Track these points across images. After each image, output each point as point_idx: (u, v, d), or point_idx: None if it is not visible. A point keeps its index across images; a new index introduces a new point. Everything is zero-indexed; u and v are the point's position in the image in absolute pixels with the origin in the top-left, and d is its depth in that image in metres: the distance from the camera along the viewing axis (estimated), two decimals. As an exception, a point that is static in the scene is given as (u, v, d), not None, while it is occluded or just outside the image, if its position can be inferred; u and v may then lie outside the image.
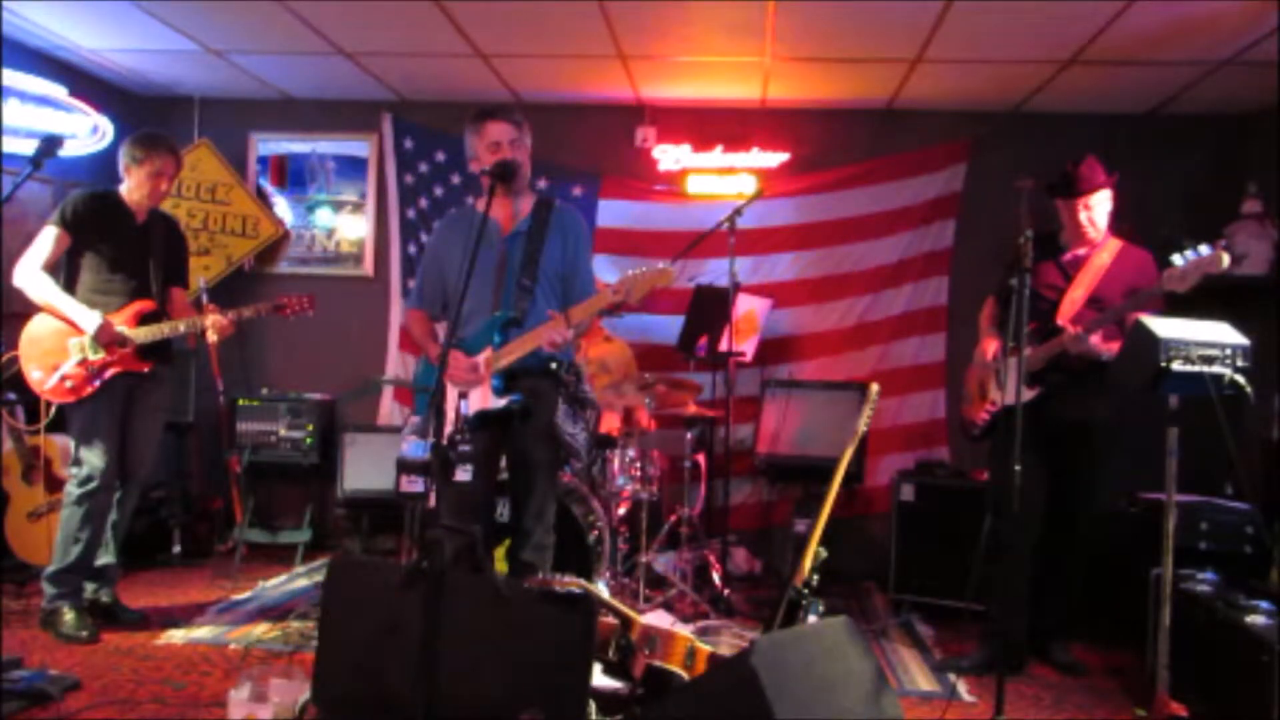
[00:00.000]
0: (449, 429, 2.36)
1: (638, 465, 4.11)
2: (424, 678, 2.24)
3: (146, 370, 3.56)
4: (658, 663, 2.59)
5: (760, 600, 4.39)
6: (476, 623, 2.33)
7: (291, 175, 5.54)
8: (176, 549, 4.76)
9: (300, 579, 4.57)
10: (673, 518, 4.42)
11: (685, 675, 2.56)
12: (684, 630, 2.98)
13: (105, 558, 3.64)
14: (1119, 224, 3.50)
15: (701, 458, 4.79)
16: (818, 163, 5.20)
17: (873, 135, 5.17)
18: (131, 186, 3.56)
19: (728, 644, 3.52)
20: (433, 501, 2.37)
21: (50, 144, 2.96)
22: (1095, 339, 3.24)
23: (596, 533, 3.90)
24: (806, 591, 2.85)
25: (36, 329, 3.47)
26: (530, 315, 2.97)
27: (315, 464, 5.04)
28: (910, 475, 4.46)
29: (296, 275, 5.49)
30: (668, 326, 5.04)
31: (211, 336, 3.57)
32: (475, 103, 3.47)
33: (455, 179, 5.37)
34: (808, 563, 2.88)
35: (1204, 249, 2.91)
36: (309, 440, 5.01)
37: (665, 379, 4.38)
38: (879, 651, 3.71)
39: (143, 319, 3.53)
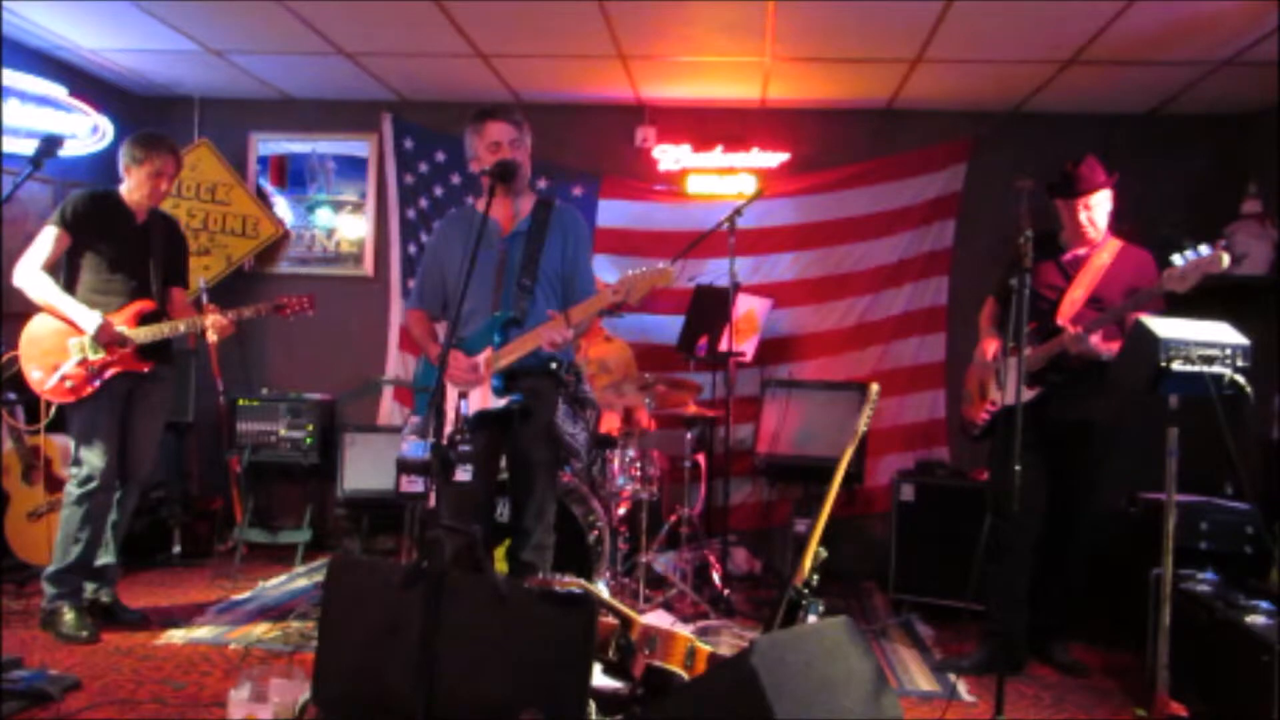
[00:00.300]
0: (449, 429, 2.36)
1: (638, 465, 4.11)
2: (424, 678, 2.24)
3: (147, 370, 3.56)
4: (658, 663, 2.59)
5: (760, 600, 4.39)
6: (476, 623, 2.33)
7: (291, 175, 5.54)
8: (176, 549, 4.76)
9: (300, 579, 4.57)
10: (673, 518, 4.42)
11: (685, 675, 2.56)
12: (684, 630, 2.98)
13: (105, 558, 3.63)
14: (1119, 224, 3.50)
15: (701, 458, 4.79)
16: (818, 163, 5.20)
17: (873, 135, 5.17)
18: (131, 186, 3.55)
19: (728, 644, 3.52)
20: (433, 501, 2.36)
21: (50, 144, 2.95)
22: (1095, 339, 3.24)
23: (596, 533, 3.90)
24: (806, 591, 2.85)
25: (36, 329, 3.47)
26: (530, 315, 2.97)
27: (315, 464, 5.04)
28: (910, 475, 4.46)
29: (296, 275, 5.49)
30: (668, 326, 5.04)
31: (211, 336, 3.57)
32: (475, 103, 3.47)
33: (455, 179, 5.37)
34: (808, 563, 2.88)
35: (1204, 249, 2.91)
36: (309, 440, 5.01)
37: (665, 379, 4.38)
38: (879, 651, 3.71)
39: (143, 319, 3.53)
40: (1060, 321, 3.35)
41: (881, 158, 5.15)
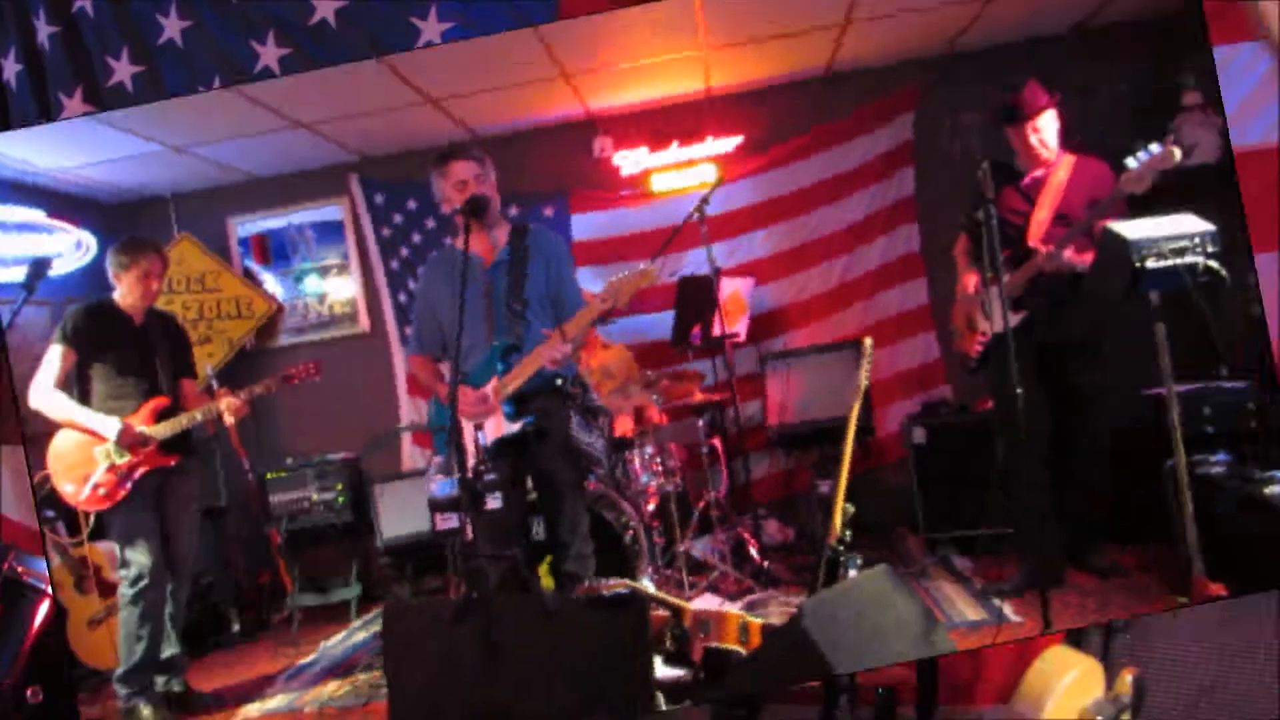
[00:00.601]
0: (471, 461, 2.44)
1: (657, 460, 4.19)
2: (492, 704, 2.30)
3: (173, 464, 3.63)
4: (714, 644, 2.66)
5: (799, 566, 4.45)
6: (532, 641, 2.40)
7: (274, 250, 5.63)
8: (235, 628, 4.83)
9: (359, 632, 4.64)
10: (701, 503, 4.48)
11: (743, 651, 2.64)
12: (733, 608, 3.03)
13: (170, 649, 3.70)
14: (1069, 140, 3.57)
15: (717, 441, 4.85)
16: (770, 139, 5.26)
17: (817, 102, 5.22)
18: (124, 291, 3.63)
19: (777, 613, 3.59)
20: (469, 534, 2.44)
21: (39, 267, 3.04)
22: (1068, 253, 3.32)
23: (631, 532, 3.99)
24: (842, 548, 2.93)
25: (61, 444, 3.55)
26: (527, 339, 3.05)
27: (350, 521, 5.08)
28: (919, 418, 4.51)
29: (297, 345, 5.58)
30: (660, 323, 5.11)
31: (228, 419, 3.64)
32: (435, 147, 3.56)
33: (430, 223, 5.46)
34: (838, 520, 2.96)
35: (1154, 147, 2.99)
36: (340, 499, 5.07)
37: (667, 373, 4.46)
38: (921, 591, 3.78)
39: (159, 415, 3.60)
40: (1031, 243, 3.42)
41: (829, 122, 5.20)
